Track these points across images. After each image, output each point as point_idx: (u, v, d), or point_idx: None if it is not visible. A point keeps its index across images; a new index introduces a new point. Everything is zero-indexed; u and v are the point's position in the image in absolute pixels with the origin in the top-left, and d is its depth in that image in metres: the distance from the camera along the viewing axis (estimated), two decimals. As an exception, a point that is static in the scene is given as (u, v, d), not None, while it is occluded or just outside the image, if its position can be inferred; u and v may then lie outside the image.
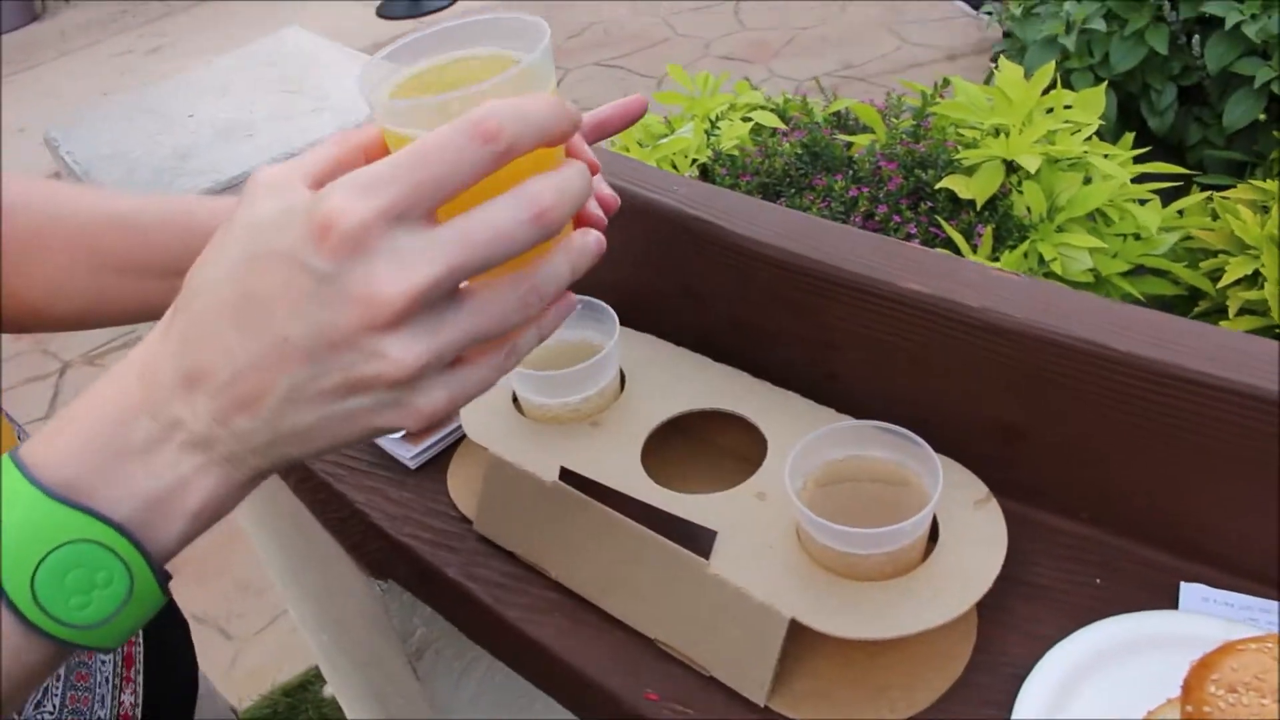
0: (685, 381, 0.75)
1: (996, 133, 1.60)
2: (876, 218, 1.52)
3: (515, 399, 0.76)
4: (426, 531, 0.76)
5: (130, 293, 0.71)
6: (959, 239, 1.48)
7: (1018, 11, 2.23)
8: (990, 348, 0.66)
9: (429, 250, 0.39)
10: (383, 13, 5.35)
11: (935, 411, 0.69)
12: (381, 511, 0.78)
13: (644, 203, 0.77)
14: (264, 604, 2.40)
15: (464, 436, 0.80)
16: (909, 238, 1.51)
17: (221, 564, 2.48)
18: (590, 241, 0.46)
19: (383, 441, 0.82)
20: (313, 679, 2.25)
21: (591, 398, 0.73)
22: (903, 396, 0.71)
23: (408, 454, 0.80)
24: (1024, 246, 1.50)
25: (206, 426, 0.42)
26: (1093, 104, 1.62)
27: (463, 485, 0.78)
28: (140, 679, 0.77)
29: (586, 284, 0.82)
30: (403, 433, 0.79)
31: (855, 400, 0.72)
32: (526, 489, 0.70)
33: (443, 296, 0.41)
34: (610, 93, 4.16)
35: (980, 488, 0.65)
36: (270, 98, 1.11)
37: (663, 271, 0.80)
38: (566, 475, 0.68)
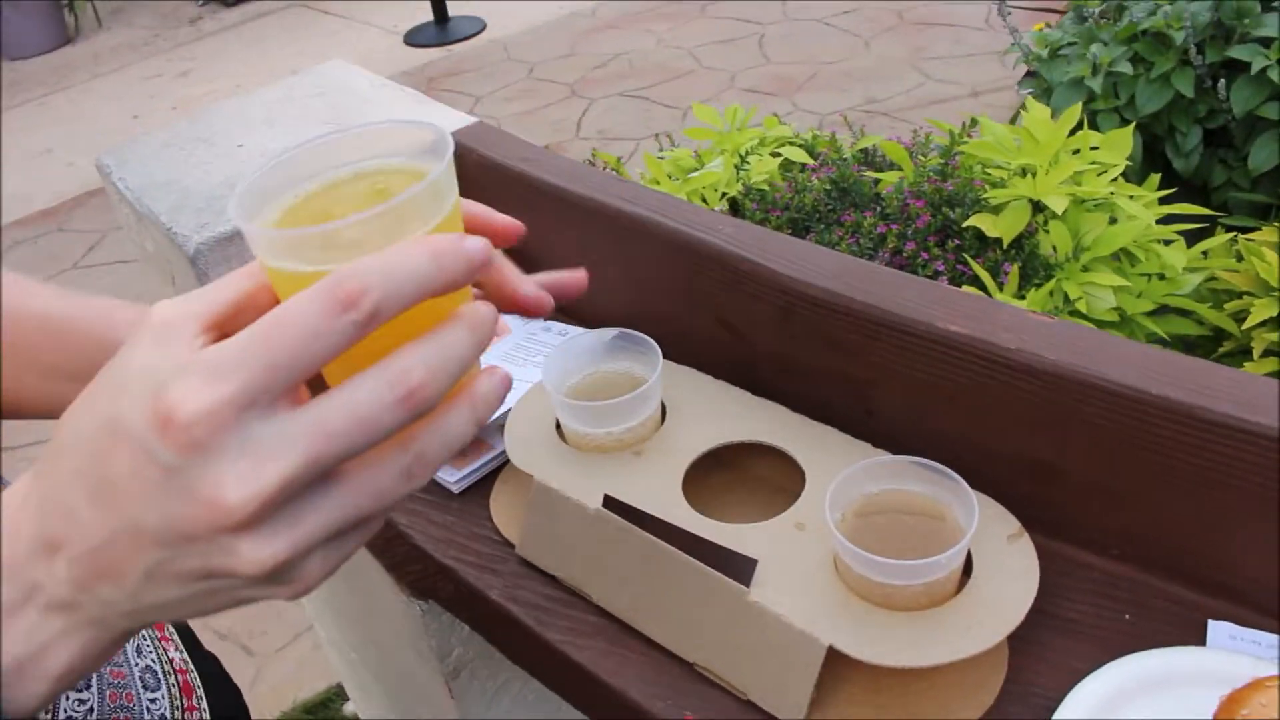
0: (725, 414, 0.78)
1: (1024, 172, 1.62)
2: (904, 254, 1.54)
3: (558, 427, 0.78)
4: (469, 554, 0.78)
5: (42, 392, 0.69)
6: (986, 277, 1.50)
7: (1044, 53, 2.26)
8: (1026, 388, 0.67)
9: (282, 443, 0.36)
10: (410, 40, 5.42)
11: (970, 448, 0.71)
12: (425, 534, 0.80)
13: (689, 240, 0.79)
14: (285, 622, 2.42)
15: (507, 462, 0.82)
16: (936, 275, 1.53)
17: (244, 582, 2.50)
18: (497, 384, 0.42)
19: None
20: (333, 697, 2.27)
21: (634, 428, 0.75)
22: (938, 433, 0.73)
23: (451, 478, 0.82)
24: (1050, 285, 1.52)
25: (68, 591, 0.40)
26: (1119, 145, 1.64)
27: (505, 510, 0.80)
28: (204, 705, 0.78)
29: (631, 318, 0.84)
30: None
31: (891, 435, 0.74)
32: (570, 515, 0.72)
33: (304, 486, 0.37)
34: (635, 122, 4.21)
35: (1013, 522, 0.67)
36: (317, 130, 1.14)
37: (706, 307, 0.82)
38: (610, 502, 0.70)
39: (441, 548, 0.79)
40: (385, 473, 0.39)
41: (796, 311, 0.76)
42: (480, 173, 0.98)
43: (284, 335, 0.36)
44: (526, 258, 0.98)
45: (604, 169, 1.77)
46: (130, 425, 0.37)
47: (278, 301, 0.42)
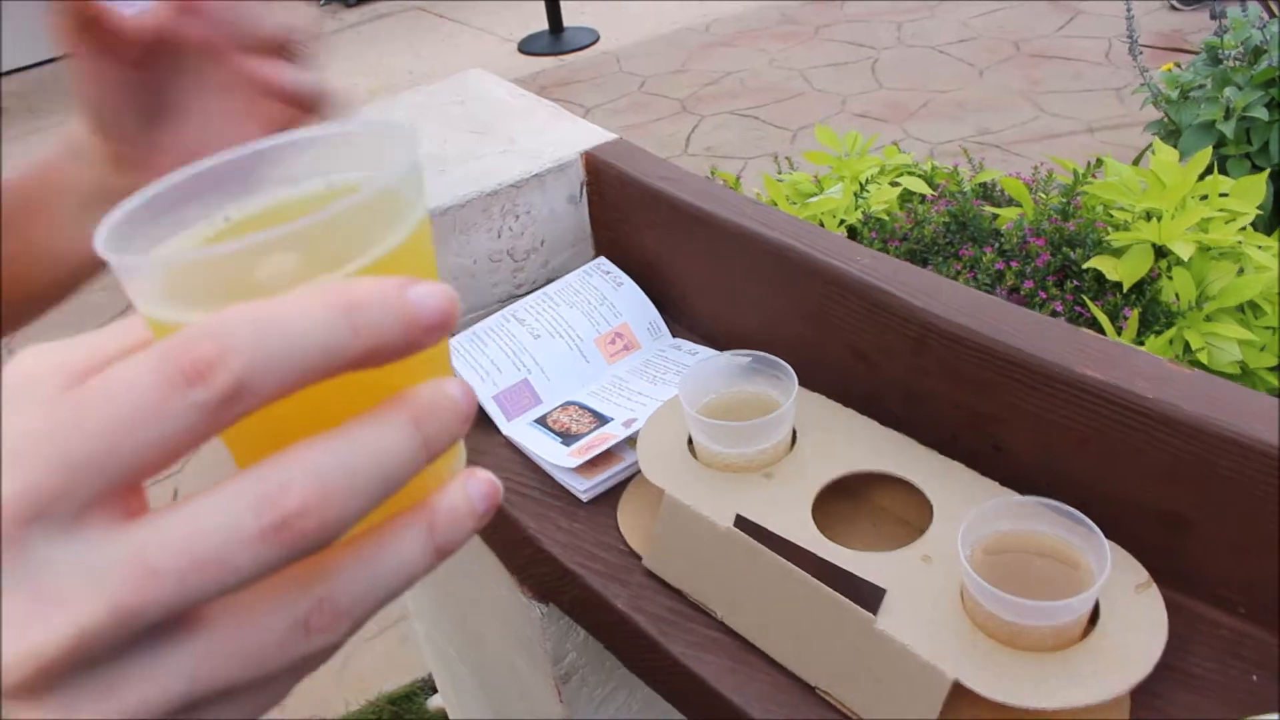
0: (855, 443, 0.79)
1: (1148, 216, 1.60)
2: (1022, 292, 1.53)
3: (689, 443, 0.80)
4: (596, 562, 0.80)
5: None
6: (1104, 320, 1.49)
7: (1173, 94, 2.23)
8: (1160, 438, 0.68)
9: (84, 580, 0.24)
10: (524, 49, 5.51)
11: (1099, 493, 0.71)
12: (552, 539, 0.82)
13: (826, 268, 0.81)
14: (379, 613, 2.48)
15: (636, 473, 0.84)
16: (1054, 315, 1.52)
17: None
18: (477, 500, 0.29)
19: (555, 473, 0.87)
20: (417, 690, 2.32)
21: (766, 450, 0.77)
22: (1067, 475, 0.73)
23: (581, 486, 0.85)
24: (1170, 333, 1.50)
25: None
26: (1251, 193, 1.61)
27: (633, 520, 0.82)
28: None
29: (761, 340, 0.86)
30: (576, 465, 0.84)
31: (1019, 474, 0.75)
32: (700, 531, 0.74)
33: (124, 642, 0.25)
34: (743, 141, 4.22)
35: (1141, 572, 0.67)
36: (459, 136, 1.18)
37: (837, 334, 0.83)
38: (741, 522, 0.72)
39: (568, 553, 0.81)
40: (266, 624, 0.26)
41: (929, 344, 0.77)
42: (619, 188, 1.01)
43: (95, 418, 0.24)
44: (663, 274, 1.01)
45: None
46: None
47: None
